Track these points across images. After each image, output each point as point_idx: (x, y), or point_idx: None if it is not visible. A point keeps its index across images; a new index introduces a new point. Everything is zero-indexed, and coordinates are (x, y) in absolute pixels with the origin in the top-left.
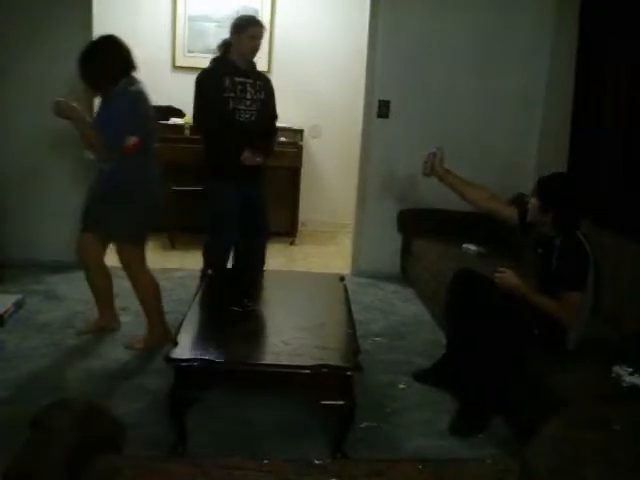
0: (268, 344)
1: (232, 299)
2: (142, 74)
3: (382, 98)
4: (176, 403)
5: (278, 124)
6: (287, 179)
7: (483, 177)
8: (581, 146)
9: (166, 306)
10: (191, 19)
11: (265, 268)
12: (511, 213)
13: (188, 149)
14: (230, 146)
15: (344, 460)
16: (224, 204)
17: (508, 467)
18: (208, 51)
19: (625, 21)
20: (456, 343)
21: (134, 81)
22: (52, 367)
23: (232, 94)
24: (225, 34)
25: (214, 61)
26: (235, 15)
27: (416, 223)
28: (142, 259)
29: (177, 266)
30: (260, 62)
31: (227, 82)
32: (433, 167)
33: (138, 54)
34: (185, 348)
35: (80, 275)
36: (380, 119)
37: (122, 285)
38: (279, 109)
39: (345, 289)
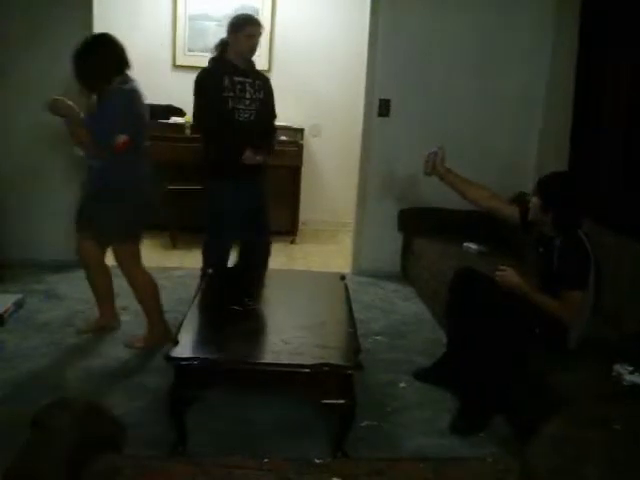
0: (268, 343)
1: (232, 298)
2: (142, 73)
3: (382, 97)
4: (176, 402)
5: (278, 123)
6: (287, 178)
7: (483, 177)
8: (581, 146)
9: (166, 305)
10: (191, 18)
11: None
12: (512, 212)
13: (188, 148)
14: (230, 146)
15: (345, 459)
16: (223, 204)
17: (508, 466)
18: (208, 50)
19: (625, 21)
20: (457, 342)
21: (128, 79)
22: (52, 366)
23: (231, 94)
24: (226, 32)
25: (212, 61)
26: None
27: (416, 222)
28: (135, 257)
29: (177, 265)
30: (260, 61)
31: (226, 82)
32: (434, 166)
33: (138, 53)
34: (185, 347)
35: (80, 274)
36: (380, 118)
37: (122, 284)
38: (279, 108)
39: (346, 288)
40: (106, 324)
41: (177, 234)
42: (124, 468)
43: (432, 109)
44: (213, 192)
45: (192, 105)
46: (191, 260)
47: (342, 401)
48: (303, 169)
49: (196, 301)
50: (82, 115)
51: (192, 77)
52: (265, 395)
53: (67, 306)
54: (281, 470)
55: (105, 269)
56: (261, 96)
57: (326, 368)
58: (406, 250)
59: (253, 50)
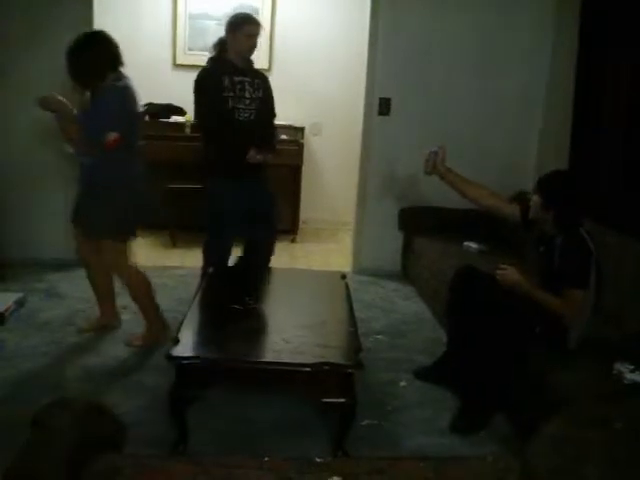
0: (269, 342)
1: (233, 297)
2: (143, 72)
3: (383, 96)
4: (177, 401)
5: (279, 122)
6: (288, 177)
7: (483, 176)
8: (581, 146)
9: (167, 304)
10: (191, 17)
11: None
12: (512, 211)
13: (188, 147)
14: (231, 145)
15: (345, 458)
16: (224, 203)
17: (509, 465)
18: (208, 49)
19: (625, 21)
20: (457, 341)
21: (122, 77)
22: (53, 365)
23: (231, 93)
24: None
25: (211, 61)
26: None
27: (417, 221)
28: (123, 256)
29: (178, 264)
30: (260, 60)
31: (226, 81)
32: (434, 166)
33: (139, 52)
34: (186, 346)
35: (81, 273)
36: (381, 117)
37: None
38: (280, 107)
39: (346, 287)
40: (107, 323)
41: (177, 233)
42: (124, 467)
43: (432, 109)
44: (213, 191)
45: (193, 105)
46: (191, 259)
47: (343, 400)
48: (303, 168)
49: (197, 300)
50: (75, 112)
51: (192, 76)
52: (266, 394)
53: (68, 305)
54: (281, 469)
55: (106, 268)
56: (260, 95)
57: (327, 367)
58: (406, 249)
59: (252, 49)
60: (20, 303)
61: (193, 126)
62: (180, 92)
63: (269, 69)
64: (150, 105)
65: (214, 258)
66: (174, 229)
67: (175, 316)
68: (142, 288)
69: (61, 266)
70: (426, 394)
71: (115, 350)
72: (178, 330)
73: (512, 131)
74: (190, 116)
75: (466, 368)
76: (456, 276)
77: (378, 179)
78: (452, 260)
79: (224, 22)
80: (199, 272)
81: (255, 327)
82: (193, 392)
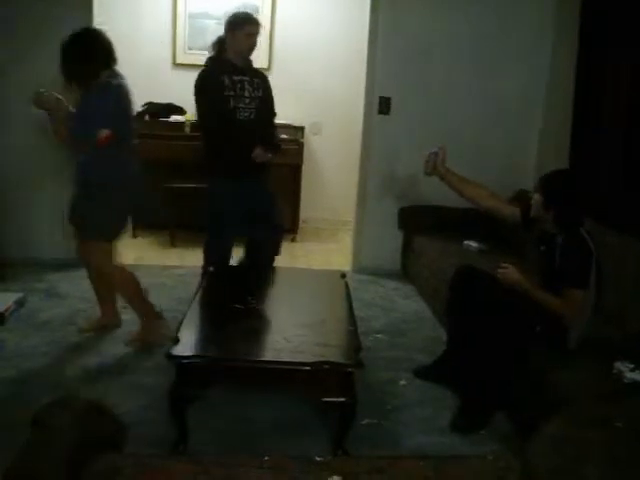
0: (269, 341)
1: (233, 296)
2: (143, 71)
3: (383, 95)
4: (177, 400)
5: (278, 121)
6: (288, 176)
7: (483, 176)
8: (581, 146)
9: (166, 303)
10: (191, 16)
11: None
12: (512, 211)
13: (188, 146)
14: (231, 145)
15: (345, 457)
16: (225, 203)
17: (509, 464)
18: (207, 48)
19: (625, 21)
20: (457, 339)
21: (116, 75)
22: (53, 365)
23: (232, 92)
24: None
25: (210, 60)
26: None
27: (417, 220)
28: (107, 256)
29: (177, 263)
30: (260, 59)
31: (226, 81)
32: (435, 166)
33: (139, 52)
34: (186, 345)
35: (81, 273)
36: (381, 116)
37: None
38: (280, 106)
39: (346, 286)
40: (107, 323)
41: (176, 232)
42: (125, 467)
43: (432, 108)
44: (214, 191)
45: (194, 105)
46: (191, 258)
47: (343, 399)
48: (303, 167)
49: (196, 299)
50: (71, 109)
51: (192, 75)
52: (266, 393)
53: (68, 305)
54: (282, 468)
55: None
56: (260, 94)
57: (327, 366)
58: (406, 248)
59: (252, 49)
60: (20, 303)
61: (193, 125)
62: (180, 91)
63: (269, 68)
64: (150, 104)
65: (214, 258)
66: (173, 228)
67: (175, 315)
68: (130, 287)
69: (61, 266)
70: (426, 393)
71: (115, 350)
72: (178, 329)
73: (512, 131)
74: (190, 115)
75: (466, 367)
76: (456, 275)
77: (378, 178)
78: (452, 259)
79: (224, 21)
80: (198, 271)
81: (255, 326)
82: (193, 391)
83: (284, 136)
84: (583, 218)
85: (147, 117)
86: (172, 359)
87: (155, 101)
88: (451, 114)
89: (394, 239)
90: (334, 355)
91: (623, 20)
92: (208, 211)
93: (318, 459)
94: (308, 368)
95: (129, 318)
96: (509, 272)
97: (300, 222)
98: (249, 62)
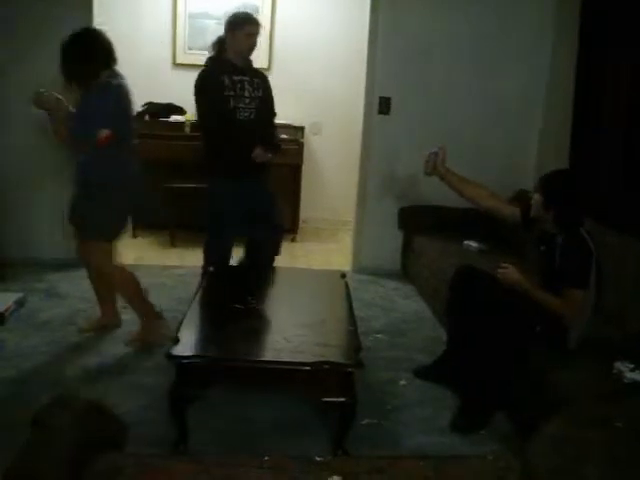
0: (269, 341)
1: (233, 296)
2: (143, 71)
3: (383, 95)
4: (177, 400)
5: (278, 121)
6: (288, 176)
7: (483, 176)
8: (581, 146)
9: (166, 303)
10: (191, 16)
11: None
12: (512, 211)
13: (188, 146)
14: (231, 145)
15: (345, 457)
16: (225, 203)
17: (509, 464)
18: (207, 48)
19: (625, 21)
20: (457, 339)
21: (116, 75)
22: (53, 365)
23: (232, 92)
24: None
25: (210, 60)
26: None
27: (417, 220)
28: (107, 256)
29: (177, 263)
30: (260, 59)
31: (226, 81)
32: (435, 166)
33: (139, 52)
34: (186, 345)
35: (81, 273)
36: (381, 116)
37: None
38: (280, 106)
39: (346, 286)
40: (107, 323)
41: (176, 232)
42: (126, 467)
43: (432, 108)
44: (214, 191)
45: (195, 106)
46: (191, 258)
47: (343, 399)
48: (303, 167)
49: (197, 299)
50: (70, 109)
51: (192, 75)
52: (266, 393)
53: (68, 305)
54: (282, 468)
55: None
56: (260, 94)
57: (327, 366)
58: (406, 248)
59: (252, 49)
60: (20, 303)
61: (193, 125)
62: (180, 91)
63: (269, 68)
64: (150, 104)
65: (214, 258)
66: (173, 228)
67: (175, 315)
68: (130, 287)
69: (61, 266)
70: (426, 393)
71: (115, 350)
72: (178, 329)
73: (512, 131)
74: (190, 115)
75: (466, 367)
76: (456, 275)
77: (378, 178)
78: (452, 259)
79: (224, 21)
80: (198, 271)
81: (255, 326)
82: (193, 391)
83: (284, 136)
84: (583, 218)
85: (147, 117)
86: (172, 359)
87: (155, 101)
88: (451, 114)
89: (394, 239)
90: (334, 355)
91: (623, 20)
92: (208, 211)
93: (318, 459)
94: (308, 368)
95: (129, 318)
96: (509, 272)
97: (300, 222)
98: (249, 62)
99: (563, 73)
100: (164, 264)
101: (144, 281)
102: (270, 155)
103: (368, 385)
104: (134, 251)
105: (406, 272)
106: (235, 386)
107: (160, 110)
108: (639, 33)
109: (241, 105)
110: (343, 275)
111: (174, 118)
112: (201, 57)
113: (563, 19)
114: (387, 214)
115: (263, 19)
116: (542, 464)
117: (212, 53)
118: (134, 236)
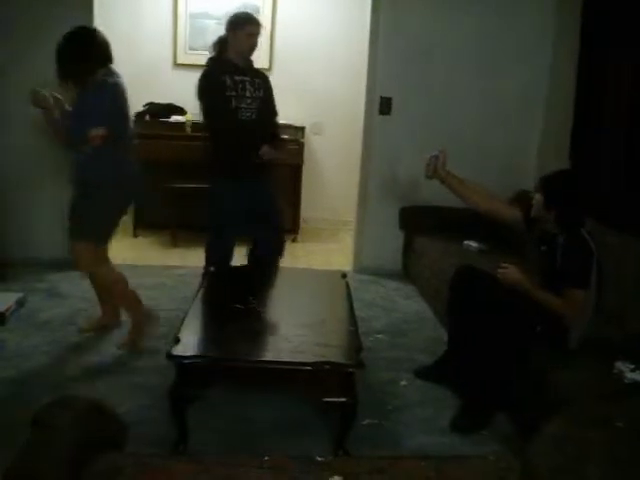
0: (270, 341)
1: (234, 296)
2: (143, 72)
3: (384, 95)
4: (177, 400)
5: (279, 121)
6: (289, 176)
7: (484, 176)
8: (582, 146)
9: (167, 303)
10: (192, 16)
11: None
12: (512, 213)
13: (189, 147)
14: (233, 145)
15: (346, 457)
16: (227, 204)
17: (510, 464)
18: (208, 48)
19: (626, 21)
20: (458, 339)
21: (112, 73)
22: (53, 365)
23: (234, 93)
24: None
25: (211, 61)
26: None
27: (418, 220)
28: (97, 257)
29: (178, 264)
30: (261, 59)
31: (228, 81)
32: (435, 170)
33: (139, 52)
34: (187, 345)
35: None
36: (382, 116)
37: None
38: (280, 106)
39: (347, 286)
40: (108, 323)
41: (177, 232)
42: (126, 467)
43: (433, 109)
44: (216, 191)
45: (198, 107)
46: (192, 258)
47: (343, 399)
48: (304, 167)
49: (198, 299)
50: (67, 107)
51: (193, 75)
52: (266, 393)
53: (69, 304)
54: (282, 468)
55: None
56: (261, 94)
57: (327, 366)
58: (407, 248)
59: (253, 49)
60: (21, 303)
61: (194, 125)
62: (181, 91)
63: (270, 68)
64: (151, 105)
65: (216, 258)
66: (174, 228)
67: (176, 315)
68: (118, 287)
69: (62, 266)
70: (427, 393)
71: (116, 350)
72: (179, 329)
73: (513, 131)
74: (190, 115)
75: (467, 367)
76: (457, 275)
77: (379, 178)
78: (453, 259)
79: (224, 21)
80: (199, 272)
81: (256, 326)
82: (194, 391)
83: (285, 136)
84: (584, 218)
85: (148, 117)
86: (173, 359)
87: (156, 101)
88: (452, 114)
89: (395, 239)
90: (335, 355)
91: (624, 20)
92: (210, 211)
93: (319, 459)
94: (309, 368)
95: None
96: (509, 272)
97: (301, 222)
98: (250, 62)
99: (564, 73)
100: (165, 264)
101: (145, 281)
102: (276, 152)
103: (369, 385)
104: (135, 251)
105: (407, 272)
106: (236, 386)
107: (161, 110)
108: None
109: (243, 105)
110: (344, 275)
111: (175, 118)
112: (202, 57)
113: (564, 19)
114: (388, 214)
115: (264, 19)
116: (543, 463)
117: (213, 53)
118: (135, 236)
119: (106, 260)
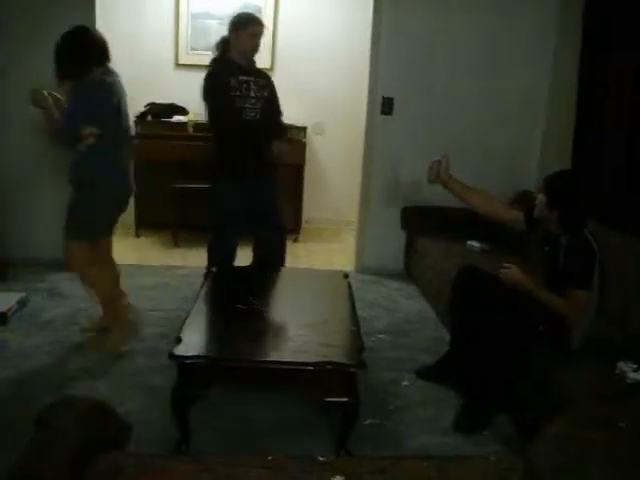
0: (272, 341)
1: (236, 296)
2: (145, 72)
3: (385, 96)
4: (179, 400)
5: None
6: (290, 176)
7: (486, 178)
8: (584, 148)
9: (169, 303)
10: (194, 17)
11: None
12: (515, 216)
13: (191, 147)
14: (238, 145)
15: (348, 457)
16: (227, 204)
17: (512, 465)
18: (211, 49)
19: (628, 25)
20: (460, 340)
21: (110, 72)
22: (55, 365)
23: (238, 93)
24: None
25: (214, 62)
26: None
27: (420, 220)
28: (87, 256)
29: (180, 264)
30: (263, 59)
31: (233, 81)
32: (438, 174)
33: (141, 52)
34: (189, 345)
35: None
36: (384, 116)
37: (126, 283)
38: (283, 106)
39: (349, 286)
40: (109, 324)
41: (179, 232)
42: (127, 467)
43: (435, 109)
44: (220, 191)
45: (205, 107)
46: (194, 258)
47: (345, 399)
48: (306, 167)
49: (200, 299)
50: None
51: (195, 76)
52: (268, 393)
53: (70, 304)
54: (284, 468)
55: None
56: (265, 95)
57: (329, 366)
58: (409, 248)
59: (256, 49)
60: (22, 303)
61: (196, 126)
62: (182, 92)
63: (271, 68)
64: (152, 105)
65: (218, 258)
66: (176, 228)
67: (177, 315)
68: (105, 287)
69: (62, 266)
70: (429, 393)
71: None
72: (181, 329)
73: (515, 132)
74: (192, 116)
75: (469, 367)
76: (459, 275)
77: (381, 178)
78: (455, 259)
79: (226, 21)
80: (201, 272)
81: (258, 326)
82: (196, 391)
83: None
84: (587, 219)
85: (149, 117)
86: (174, 359)
87: (157, 101)
88: (454, 115)
89: (397, 239)
90: (337, 355)
91: (626, 24)
92: (210, 211)
93: (321, 459)
94: (311, 368)
95: (131, 317)
96: (512, 272)
97: (303, 222)
98: (252, 62)
99: (566, 75)
100: (167, 264)
101: (147, 281)
102: (287, 145)
103: (371, 385)
104: (137, 251)
105: (409, 272)
106: (238, 386)
107: (162, 110)
108: None
109: (247, 105)
110: (346, 275)
111: (176, 118)
112: (203, 57)
113: (566, 22)
114: (390, 214)
115: (265, 19)
116: (545, 463)
117: (216, 54)
118: (137, 236)
119: (107, 260)
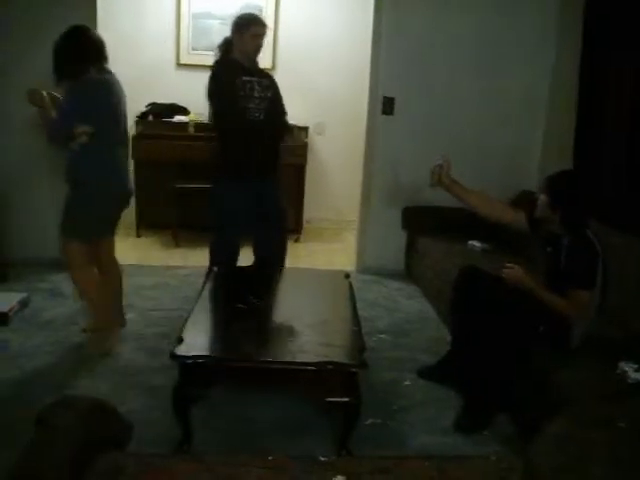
0: (273, 341)
1: (237, 296)
2: (146, 72)
3: (386, 95)
4: (181, 400)
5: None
6: (292, 176)
7: (486, 178)
8: (585, 147)
9: (170, 303)
10: (195, 17)
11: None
12: (516, 217)
13: (192, 147)
14: (242, 145)
15: (349, 457)
16: (228, 204)
17: (512, 464)
18: (212, 49)
19: (629, 24)
20: (461, 340)
21: (106, 71)
22: (56, 365)
23: (242, 93)
24: (229, 32)
25: (218, 63)
26: (238, 13)
27: (420, 220)
28: (80, 257)
29: (181, 264)
30: (264, 59)
31: (237, 82)
32: (439, 178)
33: (142, 52)
34: (190, 345)
35: None
36: (384, 116)
37: (127, 282)
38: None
39: (350, 286)
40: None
41: (180, 232)
42: (127, 466)
43: (435, 109)
44: (217, 191)
45: (210, 108)
46: (196, 258)
47: (347, 399)
48: (307, 167)
49: (201, 299)
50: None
51: (196, 76)
52: (269, 393)
53: (71, 304)
54: (285, 468)
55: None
56: (269, 95)
57: (331, 366)
58: (410, 248)
59: (258, 50)
60: (24, 303)
61: (197, 126)
62: (184, 92)
63: (273, 68)
64: (153, 105)
65: (220, 258)
66: (177, 228)
67: (178, 315)
68: (92, 291)
69: (62, 266)
70: (430, 393)
71: (119, 349)
72: (182, 329)
73: (515, 132)
74: (194, 115)
75: (470, 367)
76: (460, 275)
77: (382, 178)
78: (456, 259)
79: (228, 21)
80: (202, 271)
81: (259, 326)
82: (197, 391)
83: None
84: (589, 219)
85: (151, 117)
86: (176, 359)
87: (159, 101)
88: (454, 115)
89: (398, 239)
90: (338, 355)
91: (626, 23)
92: (211, 211)
93: (322, 459)
94: (312, 368)
95: (132, 317)
96: (514, 272)
97: (304, 222)
98: (255, 63)
99: (566, 75)
100: (168, 264)
101: (147, 280)
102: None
103: (372, 385)
104: (138, 251)
105: (410, 272)
106: (239, 386)
107: (164, 110)
108: None
109: (251, 105)
110: (347, 275)
111: (178, 118)
112: (205, 57)
113: (566, 21)
114: (391, 214)
115: (267, 19)
116: (545, 463)
117: (218, 54)
118: (138, 236)
119: (109, 261)
